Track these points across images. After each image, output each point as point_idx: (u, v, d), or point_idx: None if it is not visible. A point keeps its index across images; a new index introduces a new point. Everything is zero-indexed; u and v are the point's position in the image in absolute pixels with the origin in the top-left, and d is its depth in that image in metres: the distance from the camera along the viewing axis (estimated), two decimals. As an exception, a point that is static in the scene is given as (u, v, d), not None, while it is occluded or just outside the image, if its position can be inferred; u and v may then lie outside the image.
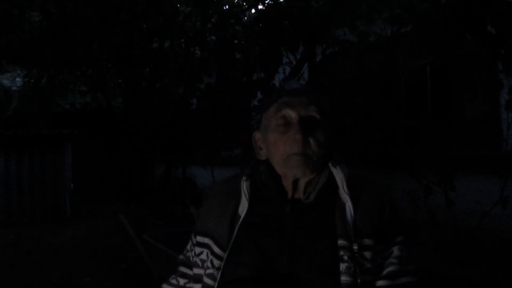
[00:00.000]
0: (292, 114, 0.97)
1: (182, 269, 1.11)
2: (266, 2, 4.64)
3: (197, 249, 1.04)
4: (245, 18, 5.54)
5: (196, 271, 1.03)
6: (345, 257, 0.89)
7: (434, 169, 3.55)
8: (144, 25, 5.69)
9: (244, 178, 1.02)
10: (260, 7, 4.85)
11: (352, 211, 0.94)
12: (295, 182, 0.99)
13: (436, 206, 3.68)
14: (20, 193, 6.65)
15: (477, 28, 2.92)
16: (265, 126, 1.03)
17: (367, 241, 0.92)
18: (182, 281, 1.09)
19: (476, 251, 3.64)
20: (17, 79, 11.15)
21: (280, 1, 4.43)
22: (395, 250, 0.95)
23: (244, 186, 1.01)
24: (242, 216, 0.98)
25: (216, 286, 0.95)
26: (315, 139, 0.96)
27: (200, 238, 1.05)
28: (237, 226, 0.97)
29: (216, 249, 0.98)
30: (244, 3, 5.12)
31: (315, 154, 0.96)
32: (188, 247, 1.12)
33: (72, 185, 7.04)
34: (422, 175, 3.59)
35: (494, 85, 3.31)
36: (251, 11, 5.58)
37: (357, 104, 3.86)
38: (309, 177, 0.98)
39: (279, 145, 0.98)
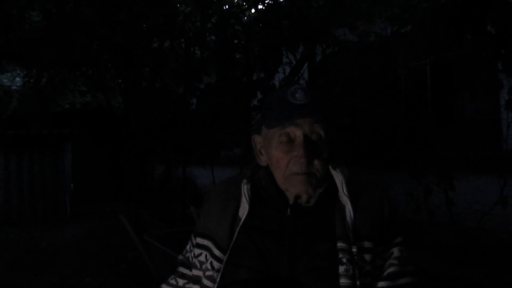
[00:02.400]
0: (296, 132, 0.95)
1: (181, 269, 1.11)
2: (266, 2, 4.63)
3: (196, 251, 1.04)
4: (245, 18, 5.54)
5: (195, 272, 1.03)
6: (344, 260, 0.89)
7: (434, 169, 3.55)
8: (144, 25, 5.69)
9: (244, 181, 1.02)
10: (260, 7, 4.85)
11: (351, 214, 0.94)
12: (297, 195, 0.99)
13: (436, 206, 3.68)
14: (20, 193, 6.65)
15: (477, 28, 2.92)
16: (267, 138, 1.01)
17: (366, 244, 0.92)
18: (181, 282, 1.10)
19: (476, 251, 3.64)
20: (17, 79, 11.13)
21: (280, 1, 4.43)
22: (395, 251, 0.96)
23: (245, 189, 1.01)
24: (243, 218, 0.98)
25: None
26: (319, 158, 0.95)
27: (200, 240, 1.05)
28: (238, 229, 0.97)
29: (216, 251, 0.98)
30: (244, 3, 5.12)
31: (318, 172, 0.96)
32: (188, 247, 1.12)
33: (72, 185, 7.04)
34: (422, 175, 3.59)
35: (494, 85, 3.31)
36: (251, 11, 5.58)
37: (357, 104, 3.86)
38: (311, 193, 0.98)
39: (282, 164, 0.97)
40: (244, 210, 0.99)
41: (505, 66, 2.97)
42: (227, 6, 5.04)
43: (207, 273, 0.98)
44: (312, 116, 0.95)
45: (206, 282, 0.97)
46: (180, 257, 1.13)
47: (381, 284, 0.92)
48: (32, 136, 6.79)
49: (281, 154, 0.97)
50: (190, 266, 1.08)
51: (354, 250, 0.90)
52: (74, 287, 3.69)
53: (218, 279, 0.95)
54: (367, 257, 0.91)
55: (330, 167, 1.00)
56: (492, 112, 4.86)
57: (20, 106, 10.27)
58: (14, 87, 11.22)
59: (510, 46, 2.91)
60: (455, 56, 4.70)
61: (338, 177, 0.99)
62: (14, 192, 6.61)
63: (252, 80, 4.43)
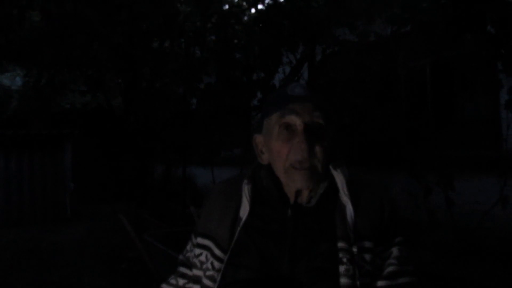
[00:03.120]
0: (296, 121, 0.95)
1: (182, 269, 1.11)
2: (266, 2, 4.64)
3: (197, 251, 1.04)
4: (245, 18, 5.54)
5: (195, 272, 1.03)
6: (345, 260, 0.89)
7: (434, 169, 3.54)
8: (144, 25, 5.69)
9: (245, 181, 1.02)
10: (260, 7, 4.85)
11: (352, 214, 0.94)
12: (298, 191, 0.99)
13: (436, 206, 3.68)
14: (20, 193, 6.65)
15: (477, 28, 2.92)
16: (268, 131, 1.01)
17: (367, 244, 0.92)
18: (181, 282, 1.09)
19: (476, 251, 3.64)
20: (17, 79, 11.15)
21: (280, 1, 4.43)
22: (395, 251, 0.95)
23: (246, 189, 1.01)
24: (244, 219, 0.98)
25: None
26: (320, 147, 0.95)
27: (200, 240, 1.05)
28: (238, 229, 0.97)
29: (217, 251, 0.98)
30: (244, 3, 5.12)
31: (320, 163, 0.96)
32: (188, 247, 1.12)
33: (72, 185, 7.03)
34: (422, 175, 3.59)
35: (494, 85, 3.31)
36: (251, 11, 5.58)
37: (357, 104, 3.86)
38: (312, 188, 0.98)
39: (283, 153, 0.96)
40: (245, 210, 0.99)
41: (505, 66, 2.97)
42: (227, 6, 5.05)
43: (208, 273, 0.98)
44: (310, 101, 0.96)
45: (206, 282, 0.97)
46: (181, 257, 1.13)
47: (380, 283, 0.92)
48: (32, 136, 6.79)
49: (281, 143, 0.97)
50: (190, 266, 1.08)
51: (355, 250, 0.90)
52: (74, 287, 3.69)
53: (218, 279, 0.95)
54: (367, 257, 0.91)
55: (330, 167, 1.00)
56: (492, 112, 4.86)
57: (20, 106, 10.28)
58: (14, 87, 11.23)
59: (510, 46, 2.91)
60: (455, 56, 4.70)
61: (339, 177, 0.99)
62: (14, 192, 6.61)
63: (252, 80, 4.43)
